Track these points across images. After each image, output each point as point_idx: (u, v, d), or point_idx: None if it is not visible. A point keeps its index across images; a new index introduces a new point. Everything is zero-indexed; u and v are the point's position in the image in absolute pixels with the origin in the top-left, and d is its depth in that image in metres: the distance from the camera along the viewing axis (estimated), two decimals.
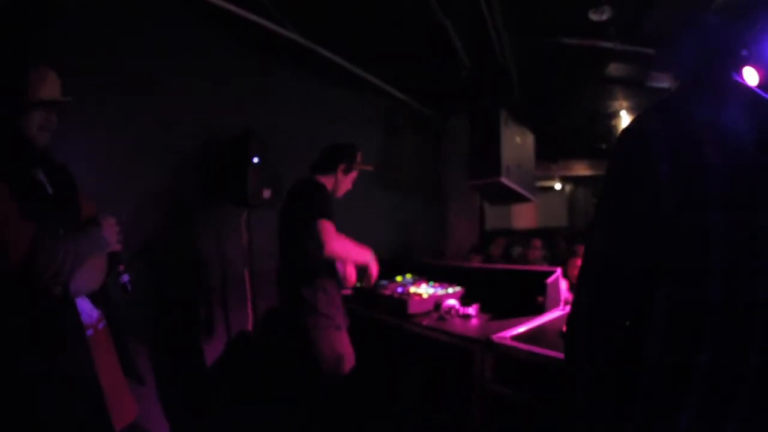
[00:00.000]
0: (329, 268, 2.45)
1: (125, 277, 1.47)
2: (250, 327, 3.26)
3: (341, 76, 3.79)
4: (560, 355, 1.69)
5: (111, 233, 1.43)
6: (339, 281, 2.54)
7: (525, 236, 6.31)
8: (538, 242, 5.42)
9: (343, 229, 2.39)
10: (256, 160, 2.89)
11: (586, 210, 8.80)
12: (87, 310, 1.39)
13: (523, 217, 8.01)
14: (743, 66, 1.05)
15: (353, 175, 2.62)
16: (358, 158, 2.60)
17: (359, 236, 3.00)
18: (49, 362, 1.22)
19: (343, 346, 2.40)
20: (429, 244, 4.80)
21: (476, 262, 5.22)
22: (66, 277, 1.22)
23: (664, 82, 4.17)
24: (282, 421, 2.73)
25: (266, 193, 2.93)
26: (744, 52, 1.25)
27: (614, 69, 4.29)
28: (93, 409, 1.29)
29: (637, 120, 0.96)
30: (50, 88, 1.35)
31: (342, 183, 2.58)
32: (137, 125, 2.62)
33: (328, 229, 2.23)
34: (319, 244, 2.21)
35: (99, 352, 1.36)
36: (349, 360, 2.42)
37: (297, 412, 2.59)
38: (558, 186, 9.26)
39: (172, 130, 2.81)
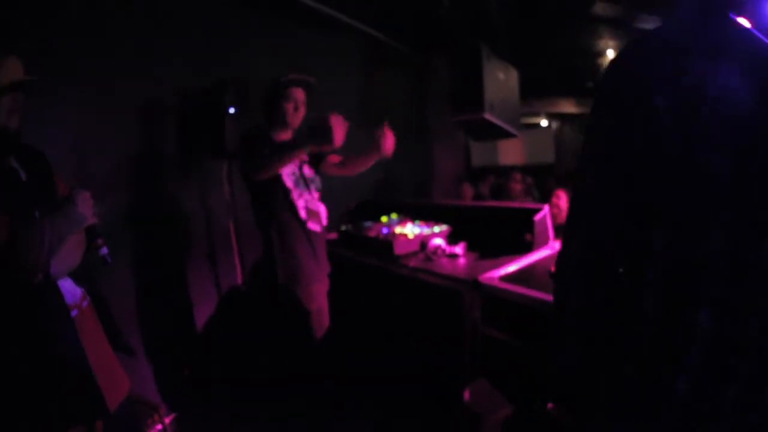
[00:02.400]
0: (288, 214, 2.31)
1: (104, 250, 1.43)
2: (239, 281, 3.26)
3: (319, 20, 3.57)
4: (550, 297, 1.65)
5: (86, 207, 1.35)
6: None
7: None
8: (518, 175, 5.36)
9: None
10: (232, 110, 2.79)
11: (574, 149, 8.68)
12: (70, 289, 1.37)
13: (510, 153, 7.91)
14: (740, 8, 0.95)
15: (292, 94, 2.38)
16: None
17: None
18: (36, 348, 1.21)
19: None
20: (414, 182, 4.76)
21: (468, 191, 5.20)
22: (46, 262, 1.19)
23: (650, 23, 4.07)
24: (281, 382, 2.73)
25: None
26: None
27: (600, 8, 4.17)
28: (84, 391, 1.30)
29: (625, 51, 0.85)
30: (12, 71, 1.24)
31: (287, 111, 2.37)
32: (110, 83, 2.46)
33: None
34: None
35: (86, 331, 1.36)
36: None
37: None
38: (545, 123, 9.12)
39: (146, 84, 2.65)
